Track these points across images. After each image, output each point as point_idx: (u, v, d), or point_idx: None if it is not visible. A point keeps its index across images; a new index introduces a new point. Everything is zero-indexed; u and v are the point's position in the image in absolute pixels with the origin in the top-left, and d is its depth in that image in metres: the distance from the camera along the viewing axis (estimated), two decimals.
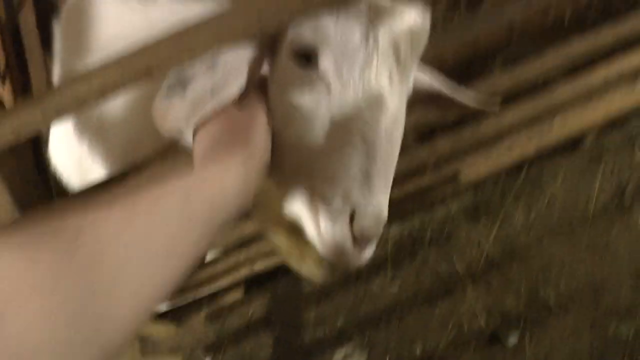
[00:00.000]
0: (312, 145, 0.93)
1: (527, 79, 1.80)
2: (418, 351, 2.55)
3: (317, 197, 0.93)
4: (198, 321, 2.64)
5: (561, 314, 2.55)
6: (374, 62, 0.92)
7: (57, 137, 1.56)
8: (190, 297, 2.45)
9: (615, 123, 2.70)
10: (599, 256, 2.63)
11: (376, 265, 2.67)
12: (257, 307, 2.65)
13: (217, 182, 0.80)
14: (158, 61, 0.92)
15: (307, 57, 0.94)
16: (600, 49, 1.85)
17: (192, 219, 0.73)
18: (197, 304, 2.64)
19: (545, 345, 2.52)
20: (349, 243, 0.91)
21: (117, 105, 1.22)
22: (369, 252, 0.96)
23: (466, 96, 1.25)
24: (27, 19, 2.01)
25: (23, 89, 1.63)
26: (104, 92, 0.93)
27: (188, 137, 1.02)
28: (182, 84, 0.91)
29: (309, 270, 1.17)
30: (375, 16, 0.93)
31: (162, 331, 2.48)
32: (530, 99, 2.07)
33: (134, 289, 0.63)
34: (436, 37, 1.36)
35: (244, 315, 2.64)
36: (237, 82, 0.95)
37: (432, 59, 1.40)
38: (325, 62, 0.93)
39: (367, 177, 0.89)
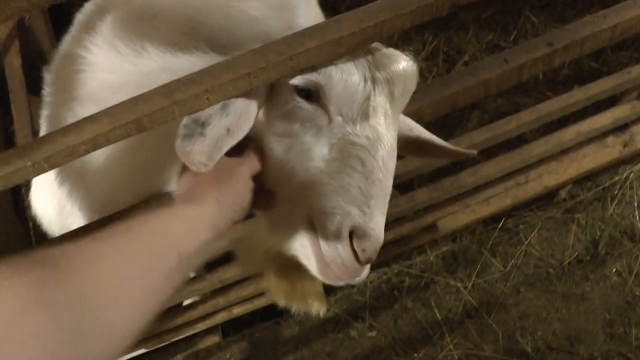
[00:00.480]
0: (314, 172, 1.01)
1: (503, 134, 1.87)
2: None
3: (318, 221, 1.00)
4: None
5: None
6: (372, 99, 1.02)
7: (38, 182, 1.58)
8: (166, 340, 2.44)
9: (588, 178, 2.78)
10: (574, 306, 2.67)
11: (354, 312, 2.69)
12: (234, 351, 2.63)
13: (188, 220, 0.89)
14: (149, 113, 0.95)
15: (309, 93, 1.03)
16: (572, 107, 1.93)
17: (163, 254, 0.80)
18: (174, 348, 2.62)
19: None
20: (352, 260, 0.98)
21: (98, 154, 1.25)
22: (365, 273, 1.03)
23: (447, 145, 1.32)
24: (13, 62, 2.06)
25: (4, 131, 1.66)
26: (95, 143, 0.96)
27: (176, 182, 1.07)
28: (199, 124, 0.96)
29: (305, 305, 1.25)
30: (373, 59, 1.04)
31: None
32: (506, 153, 2.14)
33: (118, 316, 0.68)
34: (416, 92, 1.42)
35: None
36: (248, 124, 1.02)
37: (411, 113, 1.45)
38: (327, 97, 1.02)
39: (367, 198, 0.97)
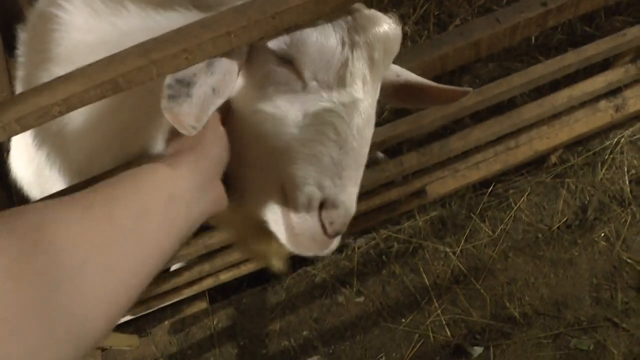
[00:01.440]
0: (286, 138, 0.97)
1: (494, 97, 1.83)
2: None
3: (289, 190, 0.97)
4: (161, 332, 2.60)
5: (525, 326, 2.58)
6: (349, 64, 0.97)
7: (17, 145, 1.53)
8: (153, 306, 2.42)
9: (579, 143, 2.76)
10: (562, 271, 2.67)
11: (342, 277, 2.68)
12: (221, 317, 2.62)
13: (171, 181, 0.85)
14: (125, 73, 0.91)
15: (285, 59, 0.98)
16: (565, 70, 1.89)
17: (149, 214, 0.76)
18: (161, 315, 2.61)
19: (509, 357, 2.54)
20: (320, 232, 0.96)
21: (77, 116, 1.20)
22: (335, 244, 1.02)
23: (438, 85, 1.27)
24: None
25: None
26: (69, 104, 0.92)
27: (159, 146, 1.02)
28: (184, 84, 0.91)
29: (267, 263, 1.24)
30: (353, 21, 0.98)
31: (125, 342, 2.44)
32: (497, 117, 2.11)
33: (101, 285, 0.64)
34: (405, 54, 1.37)
35: (208, 327, 2.61)
36: (232, 84, 0.98)
37: None
38: (301, 61, 0.96)
39: (339, 168, 0.94)
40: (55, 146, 1.32)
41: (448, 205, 2.77)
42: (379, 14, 1.03)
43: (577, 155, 2.80)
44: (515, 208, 2.75)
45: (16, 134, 0.95)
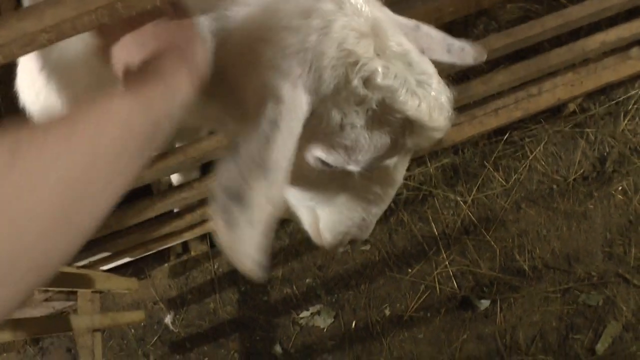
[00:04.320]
0: (333, 193, 1.05)
1: (525, 40, 1.68)
2: (387, 313, 2.50)
3: (326, 228, 1.11)
4: (161, 275, 2.52)
5: (534, 280, 2.51)
6: (396, 158, 0.98)
7: (23, 68, 1.39)
8: (152, 249, 2.33)
9: (601, 91, 2.62)
10: (575, 224, 2.58)
11: None
12: (222, 262, 2.54)
13: (164, 103, 0.75)
14: None
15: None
16: (603, 13, 1.73)
17: (134, 138, 0.69)
18: (160, 257, 2.52)
19: (516, 310, 2.49)
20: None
21: (76, 44, 1.06)
22: None
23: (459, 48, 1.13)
24: None
25: None
26: (59, 31, 0.78)
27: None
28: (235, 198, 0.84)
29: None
30: (411, 131, 0.91)
31: (123, 285, 2.36)
32: (523, 62, 1.96)
33: (75, 206, 0.60)
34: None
35: (209, 271, 2.53)
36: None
37: (431, 10, 1.27)
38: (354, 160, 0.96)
39: (371, 222, 1.09)
40: (56, 75, 1.18)
41: (461, 152, 2.65)
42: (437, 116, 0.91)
43: (598, 104, 2.67)
44: (530, 157, 2.64)
45: None
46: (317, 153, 0.95)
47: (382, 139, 0.91)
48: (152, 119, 0.72)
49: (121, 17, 0.81)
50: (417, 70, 0.87)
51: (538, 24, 1.69)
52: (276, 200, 0.84)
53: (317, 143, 0.93)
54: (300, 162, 0.96)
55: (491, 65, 2.26)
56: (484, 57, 1.15)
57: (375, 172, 0.99)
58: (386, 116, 0.88)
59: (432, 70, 0.90)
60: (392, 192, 1.06)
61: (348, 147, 0.91)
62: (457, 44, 1.09)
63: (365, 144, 0.91)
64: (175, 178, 2.21)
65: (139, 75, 0.80)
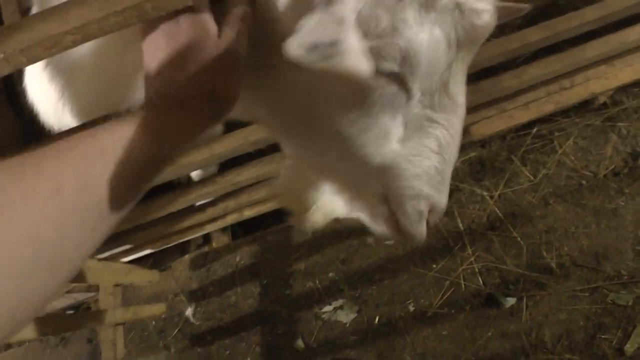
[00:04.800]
0: (390, 155, 0.93)
1: (564, 33, 1.62)
2: (411, 308, 2.45)
3: (396, 202, 0.96)
4: (181, 267, 2.50)
5: (561, 278, 2.45)
6: (453, 67, 0.87)
7: (31, 71, 1.36)
8: (174, 241, 2.31)
9: (634, 84, 2.53)
10: (605, 221, 2.51)
11: None
12: (244, 255, 2.51)
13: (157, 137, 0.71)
14: None
15: (395, 78, 0.87)
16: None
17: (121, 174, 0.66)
18: (181, 248, 2.50)
19: (542, 308, 2.43)
20: (423, 231, 0.99)
21: (88, 48, 1.02)
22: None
23: None
24: None
25: None
26: (85, 33, 0.75)
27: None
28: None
29: (312, 219, 1.19)
30: (459, 16, 0.84)
31: (145, 277, 2.35)
32: (557, 54, 1.89)
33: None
34: None
35: (230, 264, 2.51)
36: None
37: None
38: (414, 77, 0.86)
39: (443, 179, 0.94)
40: (67, 78, 1.15)
41: (488, 145, 2.59)
42: (483, 3, 0.86)
43: (631, 97, 2.58)
44: (559, 152, 2.57)
45: (23, 65, 0.79)
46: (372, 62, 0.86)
47: (434, 35, 0.84)
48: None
49: (150, 18, 0.77)
50: None
51: (577, 16, 1.62)
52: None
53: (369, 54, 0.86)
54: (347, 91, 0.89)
55: (526, 59, 2.19)
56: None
57: (435, 94, 0.89)
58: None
59: None
60: (457, 123, 0.93)
61: (402, 49, 0.84)
62: None
63: (418, 41, 0.84)
64: (195, 173, 2.18)
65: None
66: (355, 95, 0.88)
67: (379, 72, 0.84)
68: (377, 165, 0.94)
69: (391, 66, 0.84)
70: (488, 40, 1.26)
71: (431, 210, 0.96)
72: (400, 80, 0.86)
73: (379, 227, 1.04)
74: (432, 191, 0.94)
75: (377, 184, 0.97)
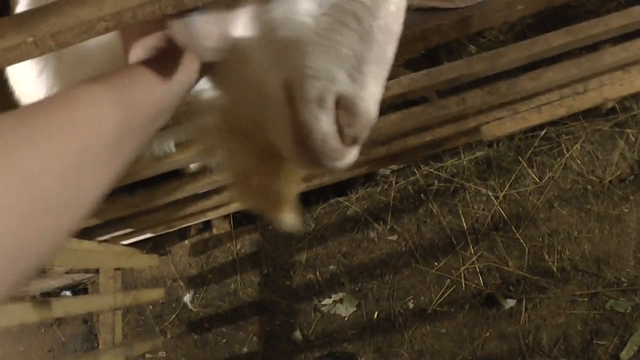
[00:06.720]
0: (297, 28, 0.79)
1: (586, 39, 1.59)
2: (411, 305, 2.45)
3: (297, 86, 0.78)
4: (181, 252, 2.48)
5: (562, 282, 2.45)
6: None
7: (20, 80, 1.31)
8: (175, 226, 2.29)
9: None
10: (608, 227, 2.51)
11: (376, 212, 2.52)
12: (245, 243, 2.49)
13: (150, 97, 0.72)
14: None
15: None
16: None
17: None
18: (181, 233, 2.48)
19: (541, 311, 2.43)
20: (333, 135, 0.76)
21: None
22: (352, 157, 0.81)
23: None
24: None
25: None
26: (119, 20, 0.72)
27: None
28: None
29: (277, 211, 0.97)
30: None
31: (145, 262, 2.32)
32: (574, 59, 1.87)
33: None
34: None
35: (231, 251, 2.49)
36: None
37: (501, 6, 1.19)
38: None
39: (359, 62, 0.76)
40: (50, 67, 1.11)
41: (496, 145, 2.57)
42: None
43: None
44: (566, 155, 2.55)
45: (51, 51, 0.76)
46: None
47: None
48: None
49: (187, 8, 0.74)
50: None
51: (601, 22, 1.59)
52: None
53: None
54: None
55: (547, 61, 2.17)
56: None
57: None
58: None
59: None
60: (385, 11, 0.79)
61: None
62: None
63: None
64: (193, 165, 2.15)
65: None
66: None
67: None
68: (280, 40, 0.81)
69: None
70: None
71: (343, 104, 0.76)
72: None
73: (282, 139, 0.82)
74: (338, 72, 0.77)
75: (279, 70, 0.82)
